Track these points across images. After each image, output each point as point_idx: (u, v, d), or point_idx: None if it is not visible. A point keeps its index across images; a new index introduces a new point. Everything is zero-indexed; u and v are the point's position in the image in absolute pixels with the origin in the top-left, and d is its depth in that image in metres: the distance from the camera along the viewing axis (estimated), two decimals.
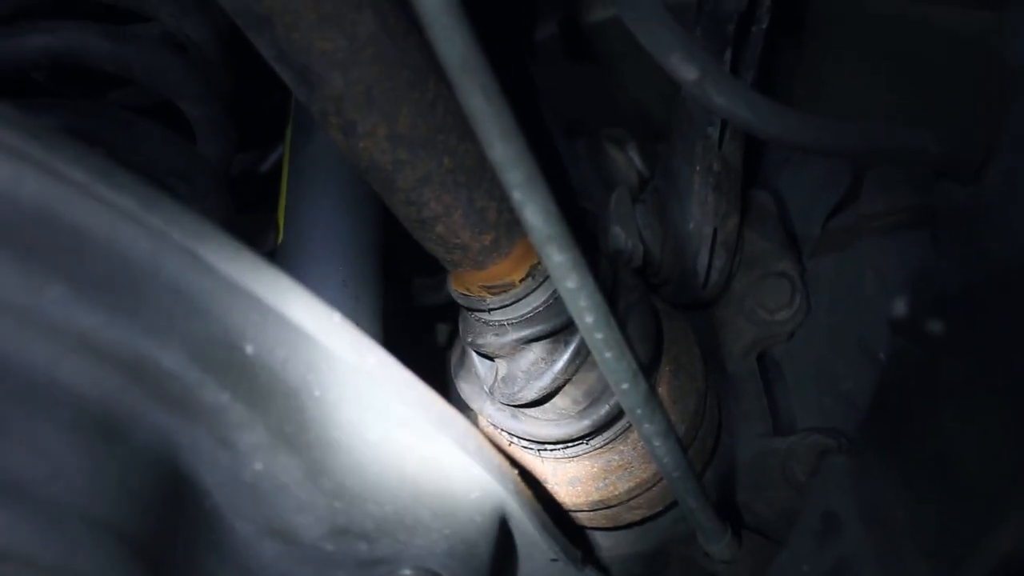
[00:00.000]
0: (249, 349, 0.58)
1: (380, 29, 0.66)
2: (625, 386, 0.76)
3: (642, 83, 1.30)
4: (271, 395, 0.59)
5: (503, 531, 0.74)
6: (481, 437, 0.67)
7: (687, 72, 0.64)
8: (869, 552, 0.62)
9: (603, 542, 1.16)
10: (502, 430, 0.98)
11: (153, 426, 0.57)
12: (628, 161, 1.27)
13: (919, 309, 0.50)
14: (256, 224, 1.45)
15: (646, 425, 0.80)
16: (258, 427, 0.59)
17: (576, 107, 1.48)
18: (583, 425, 0.92)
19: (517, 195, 0.61)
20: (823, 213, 1.20)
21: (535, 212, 0.62)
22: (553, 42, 1.40)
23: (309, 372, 0.60)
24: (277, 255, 1.10)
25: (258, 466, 0.60)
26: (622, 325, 0.91)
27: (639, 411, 0.79)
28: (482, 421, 1.06)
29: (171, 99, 1.00)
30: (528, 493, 0.74)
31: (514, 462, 0.89)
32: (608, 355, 0.73)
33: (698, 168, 1.06)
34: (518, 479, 0.71)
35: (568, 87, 1.45)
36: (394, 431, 0.64)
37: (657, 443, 0.82)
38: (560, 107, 1.48)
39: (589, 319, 0.70)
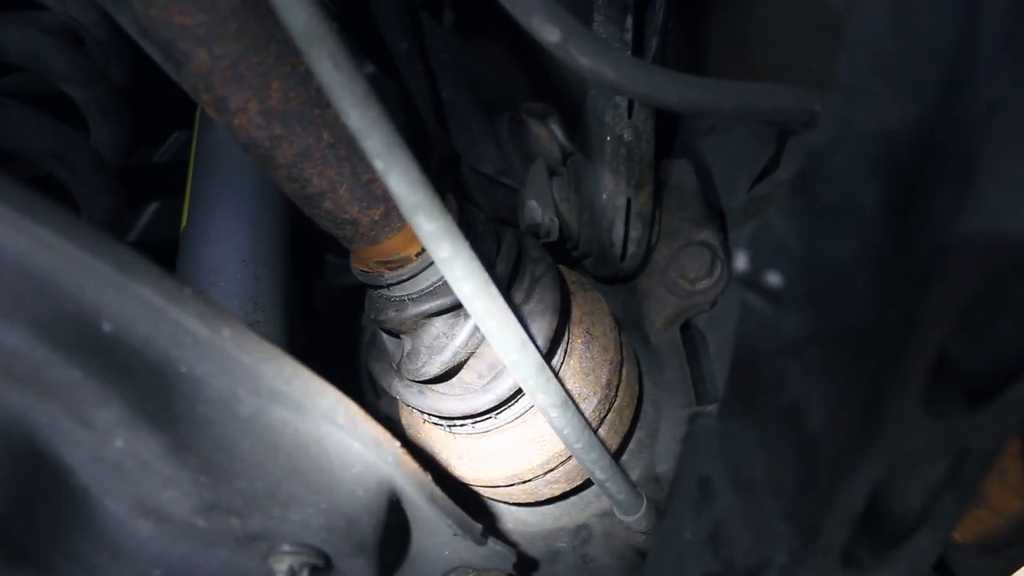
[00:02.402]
0: (107, 326, 0.57)
1: (242, 3, 0.65)
2: (514, 356, 0.76)
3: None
4: (130, 372, 0.58)
5: (394, 506, 0.73)
6: (354, 408, 0.66)
7: (549, 34, 0.63)
8: (739, 514, 0.62)
9: (528, 518, 1.16)
10: (412, 407, 0.97)
11: (5, 406, 0.57)
12: (550, 135, 1.26)
13: (758, 262, 0.49)
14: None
15: (540, 396, 0.80)
16: (116, 404, 0.58)
17: (497, 85, 1.47)
18: (487, 399, 0.91)
19: (379, 164, 0.61)
20: (747, 181, 1.19)
21: (399, 181, 0.62)
22: (464, 23, 1.39)
23: (174, 348, 0.59)
24: (181, 239, 1.09)
25: (119, 443, 0.59)
26: (526, 298, 0.91)
27: (531, 382, 0.78)
28: (401, 403, 1.06)
29: (55, 82, 0.98)
30: (414, 466, 0.73)
31: (402, 438, 0.88)
32: (492, 325, 0.73)
33: (608, 138, 1.05)
34: (400, 452, 0.71)
35: (487, 66, 1.44)
36: (267, 406, 0.63)
37: (554, 414, 0.82)
38: (480, 86, 1.48)
39: (467, 288, 0.69)
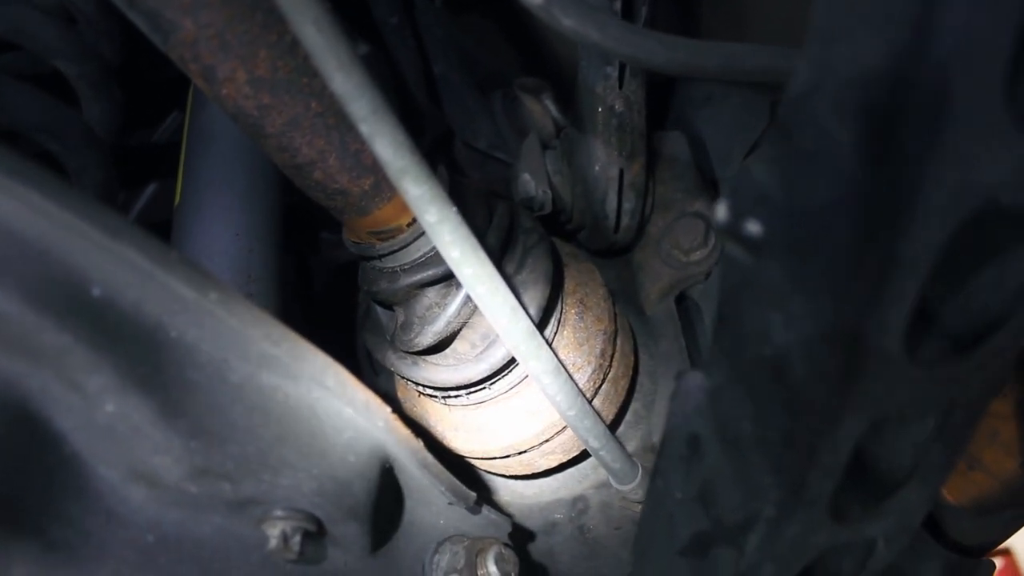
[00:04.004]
0: (96, 291, 0.57)
1: None
2: (504, 322, 0.76)
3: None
4: (120, 336, 0.58)
5: (387, 472, 0.74)
6: (344, 373, 0.67)
7: None
8: (726, 471, 0.62)
9: (525, 490, 1.16)
10: (406, 379, 0.98)
11: None
12: (543, 109, 1.26)
13: (738, 211, 0.50)
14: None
15: (532, 363, 0.80)
16: (106, 369, 0.58)
17: (490, 60, 1.47)
18: (481, 368, 0.92)
19: (364, 128, 0.61)
20: (741, 152, 1.20)
21: (385, 144, 0.62)
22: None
23: (164, 313, 0.59)
24: (175, 214, 1.09)
25: (110, 408, 0.59)
26: (518, 268, 0.91)
27: (522, 347, 0.79)
28: (397, 376, 1.06)
29: (45, 57, 0.99)
30: (405, 432, 0.73)
31: (401, 413, 0.89)
32: (481, 290, 0.73)
33: (599, 109, 1.05)
34: (391, 418, 0.71)
35: (479, 41, 1.44)
36: (257, 372, 0.63)
37: (546, 380, 0.82)
38: (473, 61, 1.48)
39: (455, 253, 0.70)
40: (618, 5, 0.96)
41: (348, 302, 1.42)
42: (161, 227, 1.12)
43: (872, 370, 0.49)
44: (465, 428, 1.00)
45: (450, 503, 0.82)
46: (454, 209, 0.68)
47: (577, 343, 0.99)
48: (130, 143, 1.40)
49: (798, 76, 0.44)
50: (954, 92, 0.38)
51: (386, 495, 0.75)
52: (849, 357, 0.48)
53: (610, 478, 1.00)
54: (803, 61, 0.44)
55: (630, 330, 1.14)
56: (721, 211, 0.50)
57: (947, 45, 0.36)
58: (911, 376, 0.50)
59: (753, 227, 0.48)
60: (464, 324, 0.91)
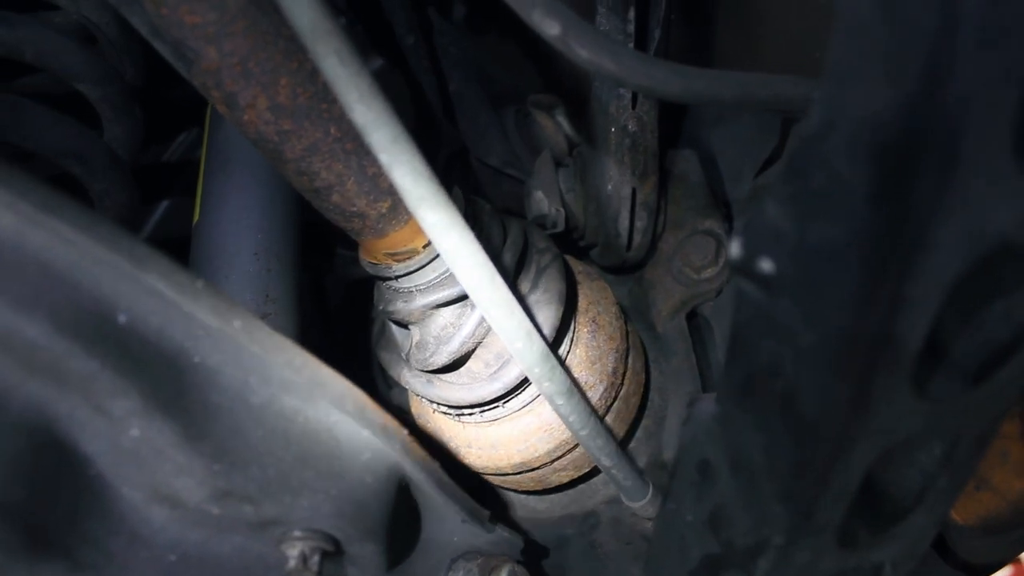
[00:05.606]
0: (122, 319, 0.58)
1: (250, 1, 0.66)
2: (519, 344, 0.77)
3: None
4: (144, 362, 0.60)
5: (403, 492, 0.75)
6: (363, 398, 0.68)
7: (549, 27, 0.65)
8: (738, 498, 0.63)
9: (537, 505, 1.18)
10: (421, 397, 0.99)
11: (26, 397, 0.58)
12: (556, 127, 1.27)
13: (751, 248, 0.51)
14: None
15: (546, 383, 0.81)
16: (132, 393, 0.59)
17: (504, 77, 1.48)
18: (494, 388, 0.93)
19: (384, 157, 0.62)
20: (752, 171, 1.20)
21: (403, 173, 0.63)
22: (471, 18, 1.40)
23: (187, 339, 0.61)
24: (194, 232, 1.11)
25: (135, 432, 0.61)
26: (532, 288, 0.92)
27: (536, 370, 0.80)
28: (411, 393, 1.08)
29: (69, 81, 1.01)
30: (422, 453, 0.74)
31: (413, 427, 0.90)
32: (497, 314, 0.74)
33: (613, 129, 1.06)
34: (409, 440, 0.72)
35: (494, 59, 1.45)
36: (278, 395, 0.65)
37: (560, 401, 0.83)
38: (487, 79, 1.49)
39: (472, 278, 0.71)
40: (631, 29, 0.97)
41: (362, 317, 1.44)
42: (174, 243, 1.14)
43: (882, 403, 0.49)
44: (479, 444, 1.02)
45: (464, 521, 0.83)
46: (471, 235, 0.69)
47: (590, 361, 1.00)
48: (143, 161, 1.41)
49: (811, 116, 0.45)
50: (964, 137, 0.38)
51: (402, 515, 0.76)
52: (859, 391, 0.49)
53: (621, 495, 1.01)
54: (816, 102, 0.45)
55: (642, 347, 1.15)
56: (735, 248, 0.51)
57: (958, 92, 0.37)
58: (921, 408, 0.51)
59: (766, 265, 0.49)
60: (479, 344, 0.93)
